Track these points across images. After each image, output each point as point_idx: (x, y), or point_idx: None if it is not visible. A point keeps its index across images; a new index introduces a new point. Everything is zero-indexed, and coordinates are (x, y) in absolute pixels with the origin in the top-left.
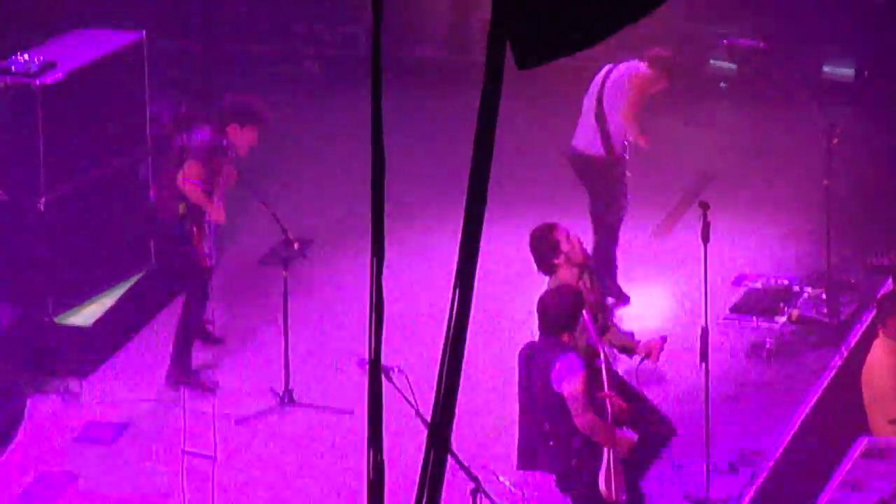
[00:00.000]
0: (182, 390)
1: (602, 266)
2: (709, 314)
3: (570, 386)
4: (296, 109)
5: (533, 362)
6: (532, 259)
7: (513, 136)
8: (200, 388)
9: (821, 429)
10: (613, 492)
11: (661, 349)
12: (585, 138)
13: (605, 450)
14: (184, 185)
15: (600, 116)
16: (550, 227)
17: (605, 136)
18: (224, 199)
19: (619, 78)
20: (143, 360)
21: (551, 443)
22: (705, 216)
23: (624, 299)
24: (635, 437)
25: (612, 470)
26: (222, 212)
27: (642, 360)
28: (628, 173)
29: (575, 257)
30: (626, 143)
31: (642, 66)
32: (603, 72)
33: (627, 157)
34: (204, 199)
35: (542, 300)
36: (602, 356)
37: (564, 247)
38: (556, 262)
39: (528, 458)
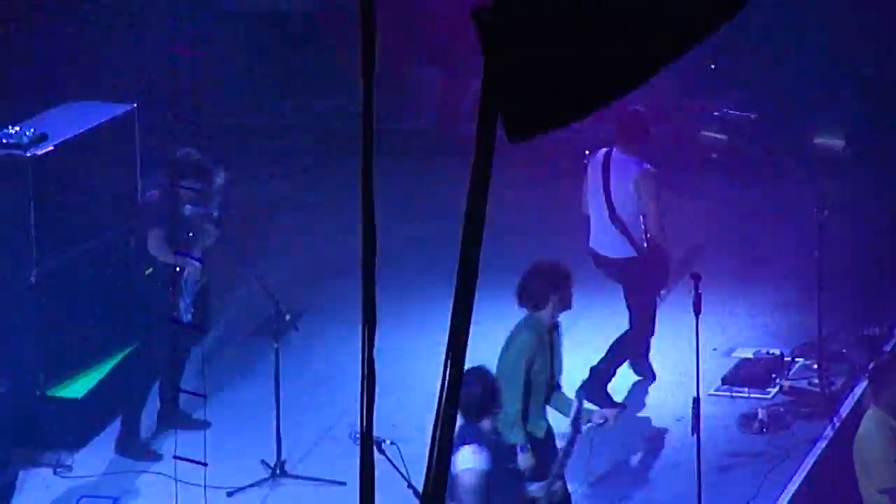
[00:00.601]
0: (174, 462)
1: (635, 349)
2: (701, 385)
3: (466, 475)
4: (287, 182)
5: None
6: (521, 290)
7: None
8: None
9: (813, 500)
10: None
11: (617, 418)
12: (606, 242)
13: None
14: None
15: (616, 219)
16: (564, 269)
17: (629, 237)
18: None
19: (624, 179)
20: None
21: None
22: (697, 287)
23: (652, 377)
24: None
25: None
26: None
27: (593, 423)
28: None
29: (565, 307)
30: (647, 236)
31: (643, 165)
32: (599, 163)
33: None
34: (169, 257)
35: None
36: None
37: (565, 291)
38: (550, 297)
39: None
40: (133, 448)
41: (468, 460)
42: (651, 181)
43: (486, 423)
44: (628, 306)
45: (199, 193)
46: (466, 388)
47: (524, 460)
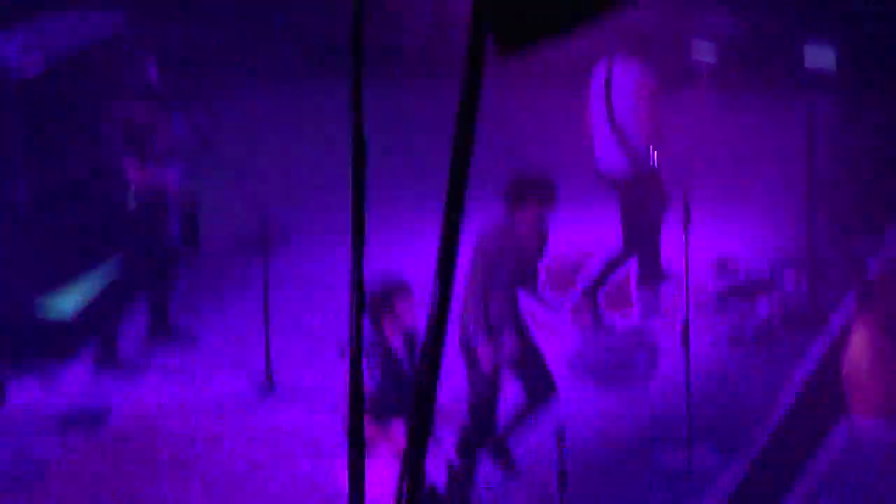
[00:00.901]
0: (160, 380)
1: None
2: (690, 300)
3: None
4: (277, 95)
5: None
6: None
7: (495, 126)
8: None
9: (802, 414)
10: None
11: None
12: (610, 157)
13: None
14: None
15: (618, 131)
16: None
17: (632, 152)
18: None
19: (624, 92)
20: (120, 346)
21: None
22: (686, 201)
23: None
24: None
25: None
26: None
27: None
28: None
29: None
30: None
31: (644, 75)
32: (601, 80)
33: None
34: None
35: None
36: None
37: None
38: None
39: None
40: (112, 364)
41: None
42: (652, 92)
43: (382, 328)
44: (624, 222)
45: (187, 111)
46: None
47: None
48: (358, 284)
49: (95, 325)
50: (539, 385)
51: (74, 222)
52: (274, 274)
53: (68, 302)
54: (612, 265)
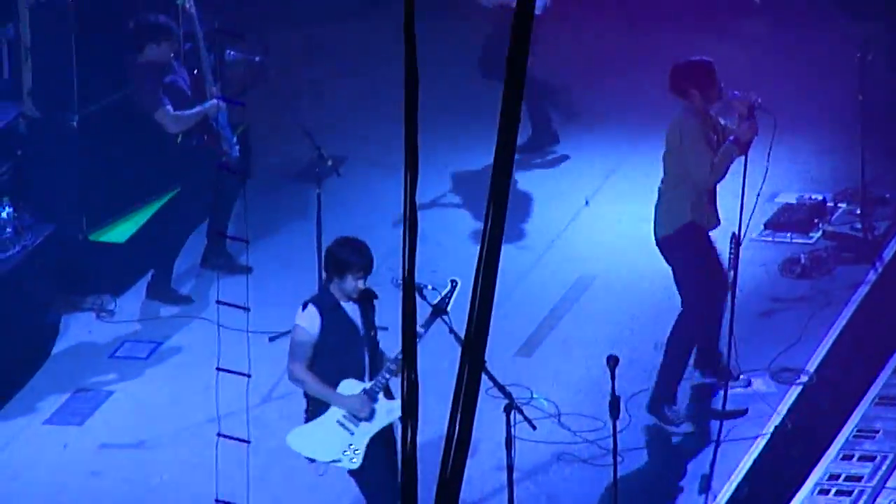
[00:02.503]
0: (217, 308)
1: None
2: (742, 229)
3: (294, 333)
4: (331, 25)
5: None
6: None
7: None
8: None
9: (855, 345)
10: (302, 449)
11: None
12: None
13: (333, 407)
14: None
15: None
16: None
17: None
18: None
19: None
20: (177, 276)
21: None
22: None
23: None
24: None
25: (325, 428)
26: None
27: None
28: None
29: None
30: None
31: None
32: None
33: None
34: (184, 120)
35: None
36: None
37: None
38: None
39: None
40: (164, 292)
41: (301, 317)
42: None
43: (339, 285)
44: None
45: (240, 38)
46: (333, 246)
47: None
48: (411, 212)
49: (150, 254)
50: None
51: (129, 148)
52: (326, 203)
53: (122, 229)
54: None
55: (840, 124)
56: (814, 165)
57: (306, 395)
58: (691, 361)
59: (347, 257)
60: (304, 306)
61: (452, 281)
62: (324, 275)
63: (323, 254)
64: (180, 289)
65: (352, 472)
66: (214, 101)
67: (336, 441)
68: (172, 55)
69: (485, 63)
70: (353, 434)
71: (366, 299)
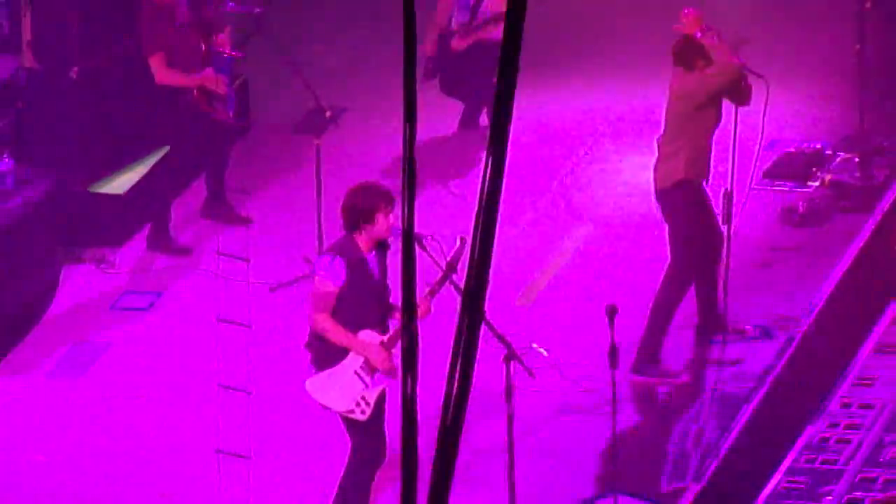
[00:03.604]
0: (217, 259)
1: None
2: (737, 178)
3: (315, 284)
4: None
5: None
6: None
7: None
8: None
9: (853, 293)
10: (320, 397)
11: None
12: None
13: (349, 358)
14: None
15: None
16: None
17: None
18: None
19: None
20: (177, 228)
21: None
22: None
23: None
24: (391, 358)
25: (341, 378)
26: (211, 75)
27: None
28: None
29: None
30: None
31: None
32: None
33: None
34: (174, 76)
35: (344, 195)
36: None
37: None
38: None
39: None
40: (163, 243)
41: (327, 269)
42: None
43: (360, 236)
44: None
45: None
46: (353, 196)
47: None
48: (410, 163)
49: (148, 205)
50: None
51: (128, 100)
52: (325, 154)
53: (122, 181)
54: None
55: (838, 73)
56: (812, 114)
57: (319, 343)
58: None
59: (371, 199)
60: (330, 257)
61: (461, 238)
62: (347, 231)
63: (340, 211)
64: (180, 239)
65: (346, 419)
66: (210, 70)
67: (351, 392)
68: None
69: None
70: (366, 386)
71: (381, 249)
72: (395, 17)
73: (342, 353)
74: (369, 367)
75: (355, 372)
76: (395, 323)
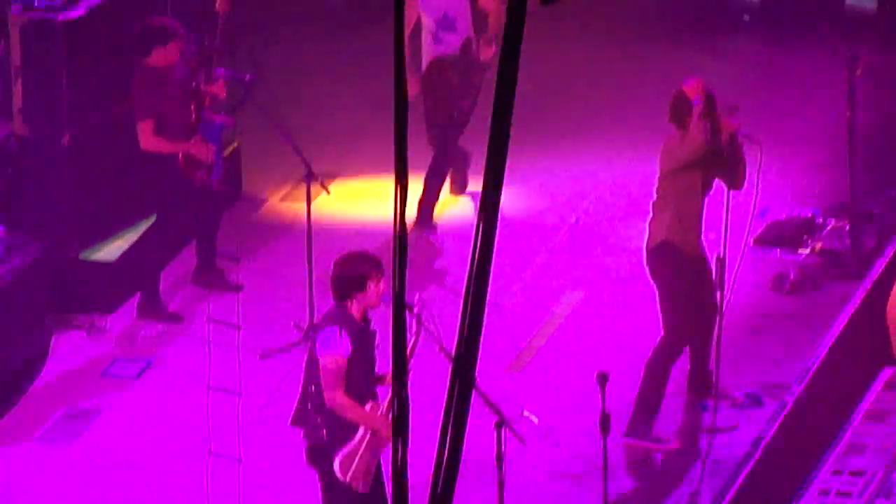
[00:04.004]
0: (208, 326)
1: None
2: (729, 245)
3: (324, 359)
4: (320, 43)
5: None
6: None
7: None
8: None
9: (845, 361)
10: (349, 476)
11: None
12: None
13: (361, 432)
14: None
15: None
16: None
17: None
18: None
19: None
20: (167, 294)
21: (309, 405)
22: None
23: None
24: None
25: (359, 455)
26: (199, 145)
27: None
28: None
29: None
30: None
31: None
32: None
33: None
34: (159, 143)
35: (333, 264)
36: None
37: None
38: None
39: (299, 414)
40: (153, 310)
41: (332, 344)
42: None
43: (352, 306)
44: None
45: (230, 56)
46: (343, 265)
47: None
48: (401, 228)
49: (139, 272)
50: None
51: (119, 166)
52: (315, 221)
53: (112, 248)
54: None
55: (828, 141)
56: (802, 182)
57: (330, 420)
58: (685, 383)
59: (361, 268)
60: (333, 331)
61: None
62: (337, 301)
63: (330, 282)
64: (171, 306)
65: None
66: (197, 138)
67: (368, 465)
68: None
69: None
70: (377, 458)
71: (368, 318)
72: (387, 80)
73: (354, 428)
74: (378, 440)
75: (367, 445)
76: (382, 391)
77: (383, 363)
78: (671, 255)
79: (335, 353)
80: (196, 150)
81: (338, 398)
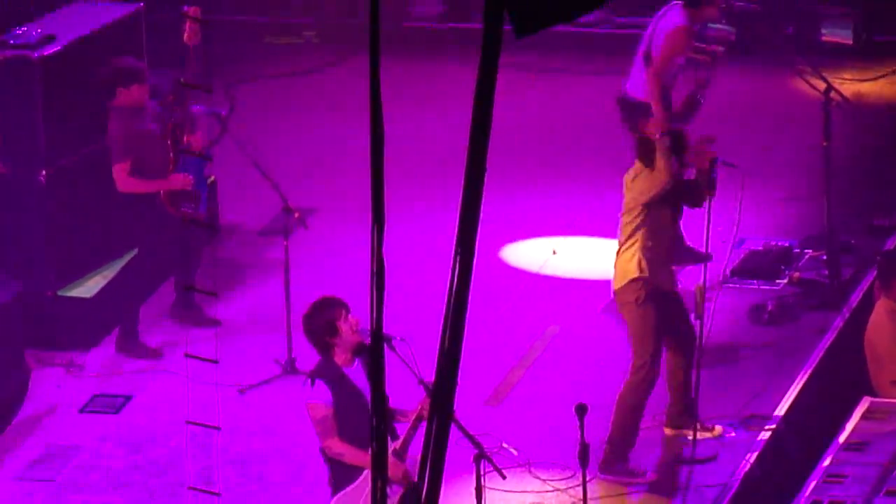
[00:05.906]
0: (186, 361)
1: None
2: (708, 276)
3: (312, 412)
4: (296, 79)
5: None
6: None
7: (513, 103)
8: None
9: (823, 391)
10: None
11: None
12: (635, 82)
13: (365, 472)
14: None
15: (648, 58)
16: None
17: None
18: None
19: (662, 28)
20: (145, 330)
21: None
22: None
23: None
24: (403, 466)
25: (363, 498)
26: (178, 178)
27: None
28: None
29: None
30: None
31: (678, 17)
32: (658, 15)
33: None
34: (136, 184)
35: (301, 324)
36: None
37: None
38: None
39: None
40: (132, 347)
41: (312, 394)
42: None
43: (336, 353)
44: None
45: (207, 92)
46: (310, 319)
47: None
48: (378, 264)
49: (117, 308)
50: None
51: (96, 202)
52: (293, 256)
53: (89, 284)
54: None
55: (805, 171)
56: (780, 212)
57: (334, 463)
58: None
59: (325, 316)
60: (311, 382)
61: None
62: (322, 354)
63: (308, 340)
64: (149, 342)
65: None
66: (176, 175)
67: None
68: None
69: None
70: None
71: (363, 355)
72: (363, 113)
73: (359, 469)
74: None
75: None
76: (401, 427)
77: (403, 399)
78: (642, 292)
79: (314, 403)
80: (175, 184)
81: (334, 447)
